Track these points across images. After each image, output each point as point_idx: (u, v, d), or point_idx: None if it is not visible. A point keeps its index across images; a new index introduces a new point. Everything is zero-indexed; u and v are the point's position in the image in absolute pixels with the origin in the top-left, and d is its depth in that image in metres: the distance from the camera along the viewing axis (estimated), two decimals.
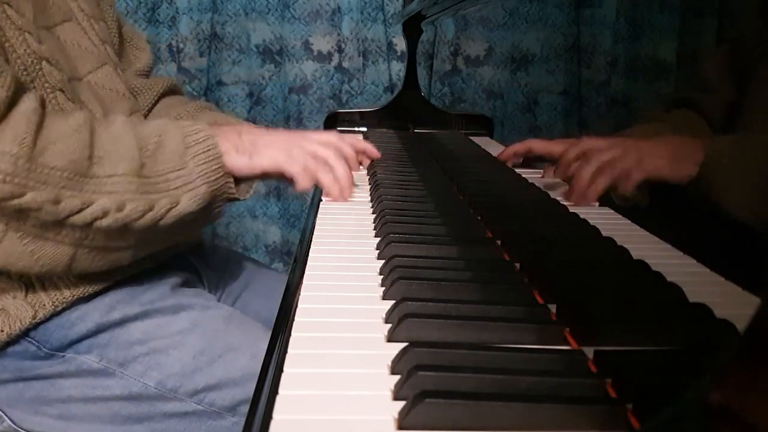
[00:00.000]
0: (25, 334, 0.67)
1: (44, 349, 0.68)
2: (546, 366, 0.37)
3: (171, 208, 0.63)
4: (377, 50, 1.75)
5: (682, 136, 0.67)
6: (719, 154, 0.59)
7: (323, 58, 1.75)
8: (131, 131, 0.63)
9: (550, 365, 0.37)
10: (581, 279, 0.51)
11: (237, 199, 0.71)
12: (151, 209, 0.62)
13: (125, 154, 0.61)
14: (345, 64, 1.75)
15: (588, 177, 0.71)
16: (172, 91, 0.97)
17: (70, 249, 0.61)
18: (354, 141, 0.83)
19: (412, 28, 1.39)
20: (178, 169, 0.64)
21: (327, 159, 0.73)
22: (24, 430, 0.71)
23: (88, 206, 0.59)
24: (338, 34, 1.73)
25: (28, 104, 0.57)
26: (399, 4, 1.71)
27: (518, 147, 0.95)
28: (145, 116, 0.92)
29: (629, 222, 0.68)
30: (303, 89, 1.76)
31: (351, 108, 1.65)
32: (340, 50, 1.74)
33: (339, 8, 1.71)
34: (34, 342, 0.68)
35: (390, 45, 1.75)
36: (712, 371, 0.23)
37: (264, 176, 0.73)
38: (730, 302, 0.47)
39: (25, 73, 0.64)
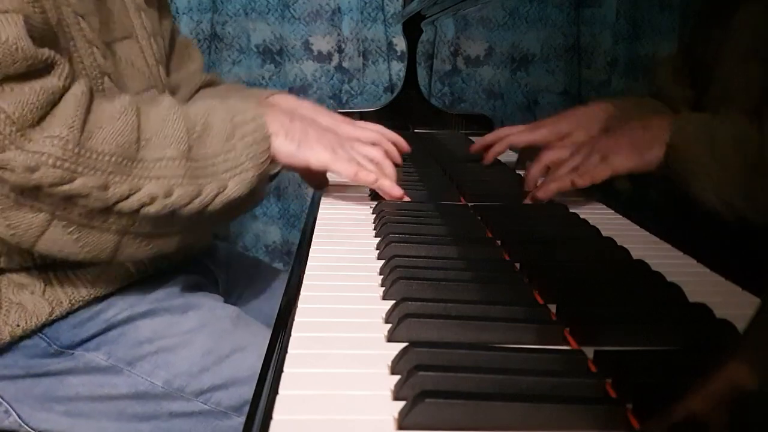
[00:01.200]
0: (39, 330, 0.68)
1: (54, 346, 0.69)
2: (546, 366, 0.37)
3: (219, 193, 0.62)
4: (377, 50, 1.75)
5: (646, 121, 0.66)
6: (683, 131, 0.60)
7: (323, 58, 1.75)
8: (178, 111, 0.62)
9: (550, 365, 0.37)
10: (581, 279, 0.51)
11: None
12: (199, 195, 0.60)
13: (173, 136, 0.60)
14: (345, 64, 1.75)
15: (563, 178, 0.71)
16: (210, 84, 0.98)
17: (115, 236, 0.60)
18: (390, 134, 0.85)
19: (412, 28, 1.40)
20: (226, 152, 0.62)
21: (375, 159, 0.73)
22: (30, 426, 0.71)
23: (135, 192, 0.57)
24: (338, 34, 1.73)
25: (77, 88, 0.57)
26: (399, 4, 1.71)
27: (497, 148, 0.94)
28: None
29: (629, 222, 0.69)
30: (303, 89, 1.76)
31: (351, 108, 1.65)
32: (340, 50, 1.74)
33: (339, 8, 1.71)
34: (46, 338, 0.69)
35: (390, 45, 1.75)
36: (705, 375, 0.23)
37: (302, 172, 0.73)
38: (730, 302, 0.47)
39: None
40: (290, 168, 0.72)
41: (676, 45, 0.74)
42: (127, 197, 0.57)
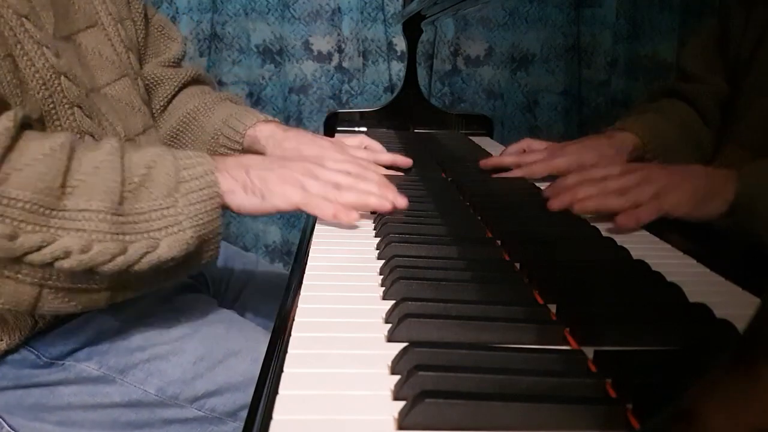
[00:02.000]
0: (24, 343, 0.67)
1: (44, 358, 0.68)
2: (546, 366, 0.37)
3: (147, 253, 0.55)
4: (377, 50, 1.75)
5: (712, 169, 0.62)
6: (752, 187, 0.56)
7: (323, 58, 1.75)
8: (117, 159, 0.56)
9: (550, 365, 0.37)
10: (581, 279, 0.51)
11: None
12: (122, 253, 0.54)
13: (103, 187, 0.53)
14: (345, 64, 1.75)
15: (608, 198, 0.66)
16: (196, 80, 0.95)
17: (33, 289, 0.54)
18: (378, 156, 0.81)
19: (412, 28, 1.39)
20: (165, 208, 0.56)
21: (350, 185, 0.67)
22: None
23: (48, 245, 0.51)
24: (338, 34, 1.73)
25: (0, 124, 0.51)
26: (399, 4, 1.71)
27: (515, 173, 0.87)
28: (165, 107, 0.91)
29: None
30: (303, 89, 1.76)
31: (351, 108, 1.65)
32: (340, 50, 1.74)
33: (339, 8, 1.71)
34: (34, 351, 0.68)
35: (390, 45, 1.75)
36: (704, 376, 0.23)
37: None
38: (730, 302, 0.47)
39: (44, 88, 0.61)
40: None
41: (709, 23, 0.71)
42: (38, 249, 0.51)
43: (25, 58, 0.60)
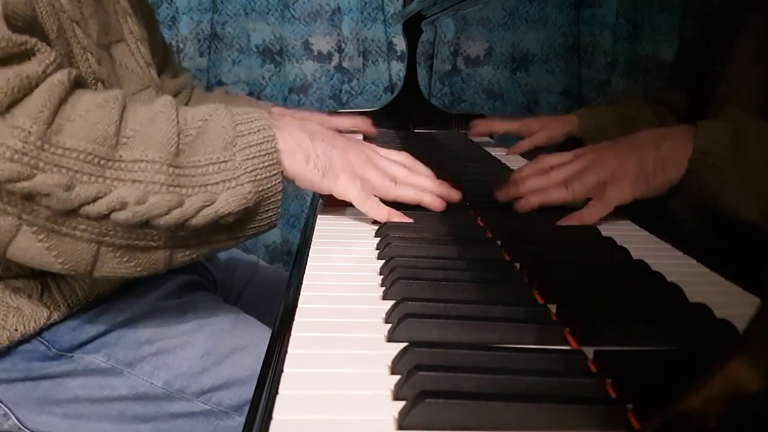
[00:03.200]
0: (37, 333, 0.68)
1: (53, 350, 0.68)
2: (546, 366, 0.37)
3: (203, 207, 0.54)
4: (377, 50, 1.75)
5: (663, 134, 0.60)
6: (711, 149, 0.54)
7: (323, 58, 1.75)
8: (173, 111, 0.55)
9: (550, 365, 0.37)
10: (581, 279, 0.51)
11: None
12: (179, 206, 0.53)
13: (159, 137, 0.53)
14: (345, 64, 1.75)
15: (551, 191, 0.66)
16: (185, 88, 0.98)
17: (91, 246, 0.53)
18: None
19: (412, 28, 1.39)
20: (222, 161, 0.55)
21: (406, 177, 0.66)
22: (30, 429, 0.71)
23: (104, 196, 0.51)
24: (338, 34, 1.73)
25: (54, 77, 0.51)
26: (399, 4, 1.71)
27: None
28: None
29: (629, 222, 0.68)
30: (303, 89, 1.76)
31: (351, 108, 1.65)
32: (340, 50, 1.74)
33: (339, 8, 1.71)
34: (45, 342, 0.68)
35: (390, 45, 1.75)
36: (703, 375, 0.23)
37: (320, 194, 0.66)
38: (730, 302, 0.47)
39: None
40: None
41: (673, 51, 0.73)
42: (94, 200, 0.51)
43: (72, 60, 0.62)
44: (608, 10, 0.92)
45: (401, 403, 0.33)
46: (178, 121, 0.55)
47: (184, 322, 0.72)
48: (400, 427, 0.32)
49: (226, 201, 0.55)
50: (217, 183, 0.55)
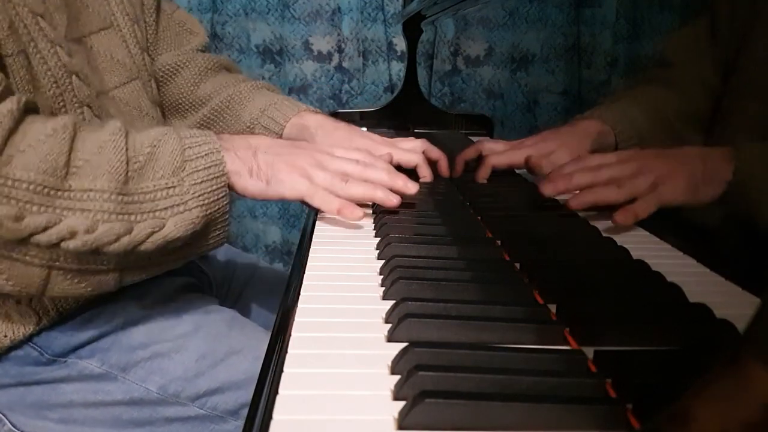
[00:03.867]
0: (28, 339, 0.67)
1: (46, 355, 0.68)
2: (546, 366, 0.37)
3: (153, 233, 0.55)
4: (377, 50, 1.75)
5: (709, 150, 0.61)
6: (749, 166, 0.56)
7: (323, 58, 1.75)
8: (122, 139, 0.56)
9: (550, 365, 0.37)
10: (581, 279, 0.51)
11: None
12: (128, 233, 0.54)
13: (107, 167, 0.53)
14: (345, 64, 1.75)
15: (601, 190, 0.65)
16: (227, 68, 0.93)
17: (42, 270, 0.54)
18: (429, 149, 0.79)
19: (412, 28, 1.39)
20: (170, 187, 0.56)
21: (358, 173, 0.66)
22: None
23: (53, 225, 0.51)
24: (338, 34, 1.73)
25: (3, 107, 0.51)
26: (399, 4, 1.71)
27: (482, 173, 0.84)
28: (191, 92, 0.89)
29: None
30: (303, 89, 1.76)
31: (351, 108, 1.65)
32: (340, 50, 1.74)
33: (339, 8, 1.71)
34: (37, 347, 0.68)
35: (390, 45, 1.75)
36: (703, 375, 0.23)
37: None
38: (730, 302, 0.47)
39: (55, 86, 0.62)
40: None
41: (699, 18, 0.70)
42: (44, 230, 0.51)
43: (38, 55, 0.60)
44: (608, 10, 0.92)
45: (401, 403, 0.33)
46: (126, 149, 0.55)
47: (179, 325, 0.71)
48: (400, 427, 0.32)
49: (175, 226, 0.56)
50: (165, 209, 0.56)
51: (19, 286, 0.55)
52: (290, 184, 0.63)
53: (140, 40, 0.78)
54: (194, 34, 0.92)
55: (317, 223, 0.67)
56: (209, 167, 0.58)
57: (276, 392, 0.34)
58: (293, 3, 1.71)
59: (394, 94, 1.42)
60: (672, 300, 0.47)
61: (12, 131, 0.51)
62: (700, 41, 0.67)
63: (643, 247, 0.58)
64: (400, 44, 1.74)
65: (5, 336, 0.65)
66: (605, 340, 0.40)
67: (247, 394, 0.69)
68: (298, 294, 0.48)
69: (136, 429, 0.69)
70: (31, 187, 0.50)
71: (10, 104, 0.51)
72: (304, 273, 0.52)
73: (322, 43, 1.74)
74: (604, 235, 0.62)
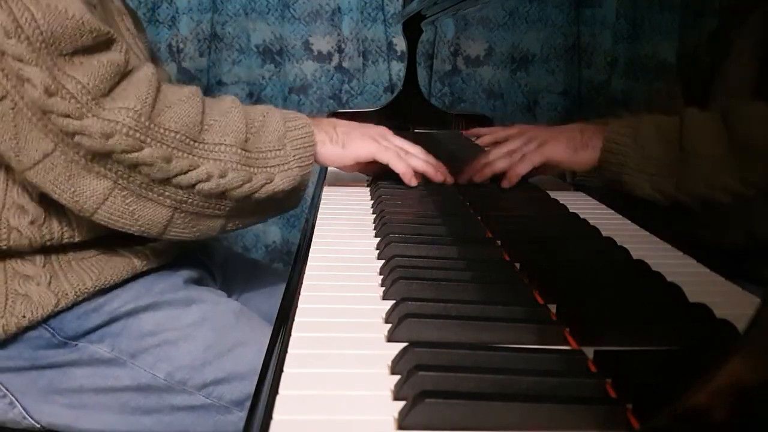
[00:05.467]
0: (44, 321, 0.69)
1: (59, 337, 0.69)
2: (546, 366, 0.37)
3: (266, 184, 0.67)
4: (377, 50, 1.75)
5: (585, 125, 0.73)
6: (616, 138, 0.66)
7: (323, 58, 1.75)
8: (240, 108, 0.68)
9: (550, 365, 0.37)
10: (581, 279, 0.51)
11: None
12: (249, 181, 0.66)
13: (233, 127, 0.66)
14: (345, 64, 1.75)
15: (496, 161, 0.80)
16: None
17: (168, 211, 0.65)
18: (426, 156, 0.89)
19: (412, 28, 1.39)
20: (277, 149, 0.68)
21: (415, 152, 0.81)
22: (34, 418, 0.71)
23: (194, 168, 0.63)
24: (338, 34, 1.73)
25: (148, 69, 0.63)
26: (399, 4, 1.71)
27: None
28: None
29: (629, 222, 0.68)
30: (303, 89, 1.76)
31: (351, 108, 1.65)
32: (340, 50, 1.74)
33: (339, 8, 1.71)
34: (50, 329, 0.69)
35: (390, 45, 1.75)
36: (704, 375, 0.23)
37: (357, 168, 0.81)
38: (730, 302, 0.47)
39: None
40: (345, 168, 0.80)
41: (673, 51, 0.75)
42: (186, 172, 0.63)
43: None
44: (608, 10, 0.92)
45: (401, 403, 0.33)
46: (245, 116, 0.68)
47: (188, 315, 0.73)
48: (400, 427, 0.32)
49: (281, 180, 0.69)
50: (274, 166, 0.68)
51: (146, 226, 0.65)
52: (362, 145, 0.76)
53: (143, 50, 0.82)
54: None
55: (317, 222, 0.67)
56: (304, 137, 0.71)
57: (276, 392, 0.34)
58: (293, 3, 1.71)
59: (394, 94, 1.42)
60: (672, 300, 0.47)
61: (159, 90, 0.63)
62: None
63: (643, 247, 0.58)
64: (400, 44, 1.74)
65: (24, 316, 0.67)
66: (605, 340, 0.40)
67: (252, 386, 0.70)
68: (298, 294, 0.48)
69: (143, 416, 0.70)
70: (178, 136, 0.62)
71: (152, 68, 0.64)
72: (304, 273, 0.52)
73: (322, 43, 1.74)
74: (604, 235, 0.62)
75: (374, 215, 0.69)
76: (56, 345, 0.69)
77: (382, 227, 0.62)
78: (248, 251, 1.81)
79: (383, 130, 0.82)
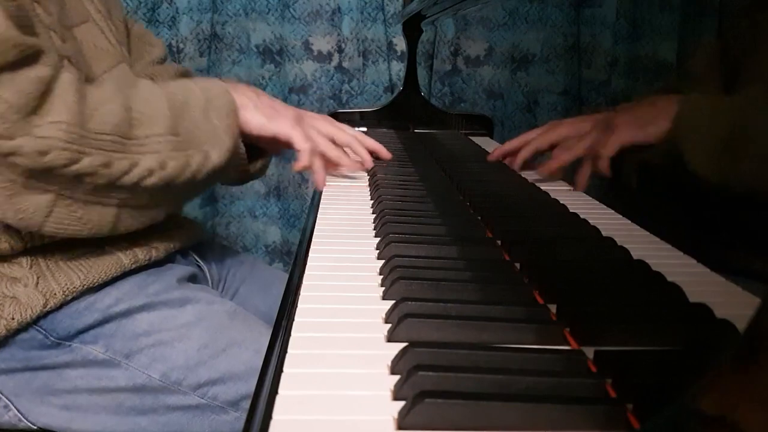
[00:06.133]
0: (34, 322, 0.68)
1: (51, 338, 0.69)
2: (546, 366, 0.37)
3: (203, 163, 0.67)
4: (377, 50, 1.75)
5: (649, 99, 0.70)
6: (691, 110, 0.62)
7: (323, 58, 1.75)
8: (158, 91, 0.67)
9: (550, 365, 0.37)
10: (581, 279, 0.51)
11: (247, 171, 0.78)
12: (188, 165, 0.65)
13: (159, 114, 0.65)
14: (345, 64, 1.75)
15: (563, 158, 0.78)
16: (186, 74, 0.98)
17: (114, 210, 0.64)
18: (364, 138, 0.89)
19: (412, 28, 1.39)
20: (204, 124, 0.67)
21: (337, 137, 0.82)
22: (29, 420, 0.71)
23: (135, 167, 0.62)
24: (338, 34, 1.73)
25: (68, 76, 0.60)
26: (399, 4, 1.71)
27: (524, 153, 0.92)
28: None
29: (629, 222, 0.69)
30: (303, 89, 1.76)
31: (351, 108, 1.65)
32: (340, 50, 1.74)
33: (339, 8, 1.71)
34: (42, 330, 0.69)
35: (390, 45, 1.75)
36: (706, 375, 0.23)
37: (267, 143, 0.78)
38: (730, 302, 0.47)
39: None
40: (260, 141, 0.78)
41: (673, 51, 0.75)
42: (129, 172, 0.62)
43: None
44: (608, 10, 0.92)
45: (401, 403, 0.33)
46: (166, 99, 0.66)
47: (182, 314, 0.73)
48: (400, 427, 0.32)
49: (217, 155, 0.68)
50: (206, 142, 0.67)
51: (95, 229, 0.64)
52: (285, 125, 0.75)
53: (116, 34, 0.81)
54: (154, 46, 0.98)
55: (317, 222, 0.67)
56: (227, 105, 0.70)
57: (276, 392, 0.34)
58: (293, 3, 1.71)
59: (394, 94, 1.42)
60: (672, 300, 0.47)
61: (82, 95, 0.60)
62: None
63: (643, 247, 0.58)
64: (400, 44, 1.74)
65: (12, 318, 0.66)
66: (605, 340, 0.40)
67: (247, 386, 0.71)
68: (298, 294, 0.48)
69: (138, 416, 0.70)
70: (111, 138, 0.61)
71: (73, 73, 0.61)
72: (304, 273, 0.52)
73: (322, 43, 1.74)
74: (604, 235, 0.61)
75: (374, 215, 0.69)
76: (49, 346, 0.69)
77: (382, 227, 0.62)
78: (248, 251, 1.81)
79: (304, 113, 0.81)
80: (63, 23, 0.70)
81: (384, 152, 0.93)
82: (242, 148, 0.73)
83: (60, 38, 0.66)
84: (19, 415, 0.71)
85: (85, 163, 0.59)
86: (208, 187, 0.73)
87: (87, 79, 0.71)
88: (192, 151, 0.66)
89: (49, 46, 0.60)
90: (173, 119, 0.65)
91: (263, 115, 0.74)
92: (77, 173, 0.59)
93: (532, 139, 0.90)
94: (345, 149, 0.87)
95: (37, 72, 0.57)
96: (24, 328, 0.68)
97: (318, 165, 0.78)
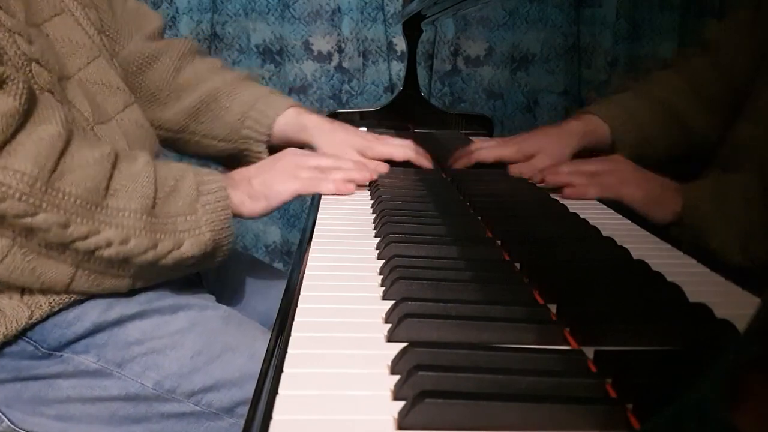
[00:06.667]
0: (22, 334, 0.67)
1: (42, 349, 0.68)
2: (546, 366, 0.37)
3: (173, 250, 0.65)
4: (377, 50, 1.75)
5: (664, 179, 0.68)
6: (696, 202, 0.62)
7: (323, 58, 1.75)
8: (151, 171, 0.66)
9: (550, 365, 0.37)
10: (581, 279, 0.51)
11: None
12: (154, 247, 0.64)
13: (141, 192, 0.64)
14: (345, 64, 1.75)
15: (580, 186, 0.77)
16: (196, 52, 0.97)
17: (71, 269, 0.63)
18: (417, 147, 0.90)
19: (412, 28, 1.39)
20: (188, 214, 0.66)
21: (332, 165, 0.81)
22: (23, 430, 0.70)
23: (93, 235, 0.60)
24: (338, 34, 1.73)
25: (52, 129, 0.59)
26: (399, 4, 1.71)
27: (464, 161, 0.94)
28: (172, 80, 0.93)
29: (629, 222, 0.68)
30: (303, 89, 1.76)
31: (351, 108, 1.65)
32: (340, 50, 1.74)
33: (339, 8, 1.71)
34: (32, 342, 0.68)
35: (390, 45, 1.75)
36: (711, 376, 0.23)
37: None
38: (730, 302, 0.47)
39: (15, 74, 0.62)
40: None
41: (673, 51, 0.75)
42: (85, 238, 0.60)
43: None
44: (608, 10, 0.92)
45: (401, 403, 0.33)
46: (156, 180, 0.65)
47: (175, 321, 0.71)
48: (400, 427, 0.32)
49: (191, 246, 0.67)
50: (184, 231, 0.66)
51: (48, 284, 0.63)
52: (284, 188, 0.75)
53: (94, 21, 0.79)
54: (151, 18, 0.95)
55: (317, 222, 0.67)
56: (219, 201, 0.69)
57: (276, 392, 0.34)
58: (293, 3, 1.71)
59: (394, 94, 1.42)
60: (672, 300, 0.47)
61: (63, 152, 0.59)
62: (744, 32, 0.67)
63: (643, 247, 0.58)
64: (400, 44, 1.74)
65: None
66: (605, 340, 0.40)
67: (242, 392, 0.70)
68: (298, 294, 0.48)
69: (132, 426, 0.69)
70: (78, 201, 0.59)
71: (58, 127, 0.60)
72: (304, 273, 0.52)
73: (322, 43, 1.74)
74: (604, 235, 0.61)
75: (374, 215, 0.69)
76: (40, 357, 0.68)
77: (382, 227, 0.62)
78: (248, 251, 1.81)
79: (294, 155, 0.81)
80: (31, 21, 0.68)
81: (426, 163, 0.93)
82: (227, 241, 0.71)
83: (26, 40, 0.64)
84: (12, 425, 0.70)
85: (39, 219, 0.57)
86: (193, 270, 0.74)
87: (62, 78, 0.70)
88: (163, 236, 0.64)
89: (12, 73, 0.58)
90: (154, 200, 0.64)
91: (259, 200, 0.74)
92: (30, 227, 0.58)
93: (477, 150, 0.92)
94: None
95: (1, 106, 0.55)
96: (12, 340, 0.67)
97: (345, 190, 0.79)
